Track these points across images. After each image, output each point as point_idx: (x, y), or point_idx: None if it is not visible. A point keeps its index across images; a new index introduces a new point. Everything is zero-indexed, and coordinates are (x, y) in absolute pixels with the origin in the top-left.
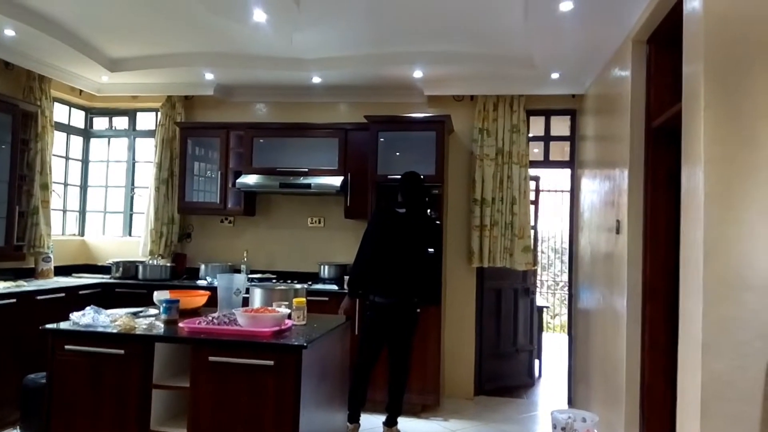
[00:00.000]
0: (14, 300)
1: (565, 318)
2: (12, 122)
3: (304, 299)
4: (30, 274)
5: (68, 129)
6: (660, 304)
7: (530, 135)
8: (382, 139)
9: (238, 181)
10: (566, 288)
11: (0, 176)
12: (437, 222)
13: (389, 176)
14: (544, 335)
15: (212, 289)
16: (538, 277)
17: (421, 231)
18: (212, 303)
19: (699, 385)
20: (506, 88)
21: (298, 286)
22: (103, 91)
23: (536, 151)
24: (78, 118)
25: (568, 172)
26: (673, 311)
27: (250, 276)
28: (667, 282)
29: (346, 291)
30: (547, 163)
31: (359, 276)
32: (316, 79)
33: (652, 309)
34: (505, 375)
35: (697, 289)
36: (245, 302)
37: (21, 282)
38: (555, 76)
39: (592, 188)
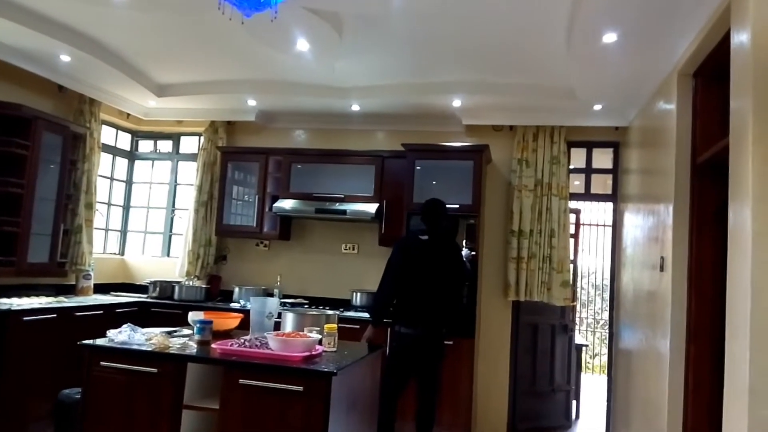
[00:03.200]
0: (54, 315)
1: (605, 359)
2: (62, 143)
3: (335, 325)
4: (70, 290)
5: (114, 151)
6: (705, 346)
7: (571, 167)
8: (418, 168)
9: (274, 205)
10: (607, 326)
11: (48, 194)
12: (470, 251)
13: None
14: (583, 375)
15: (245, 312)
16: (577, 314)
17: (446, 258)
18: (245, 325)
19: None
20: (547, 118)
21: (330, 312)
22: (149, 115)
23: (577, 183)
24: (124, 141)
25: (610, 205)
26: (719, 353)
27: (282, 300)
28: (713, 323)
29: (370, 320)
30: (588, 195)
31: (384, 305)
32: (355, 107)
33: (697, 350)
34: (541, 415)
35: (744, 332)
36: (277, 326)
37: (61, 298)
38: (597, 107)
39: (635, 223)
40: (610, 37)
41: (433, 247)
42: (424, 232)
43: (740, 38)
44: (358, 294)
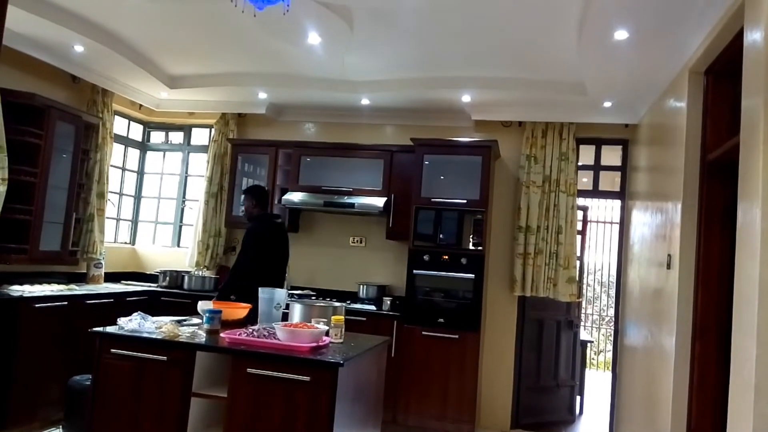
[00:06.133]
0: (65, 303)
1: (609, 355)
2: (75, 133)
3: (342, 317)
4: (82, 278)
5: (126, 141)
6: (710, 344)
7: (579, 164)
8: (427, 162)
9: (283, 198)
10: (612, 323)
11: (60, 183)
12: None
13: (432, 199)
14: (587, 372)
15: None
16: (583, 311)
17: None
18: (253, 316)
19: (750, 431)
20: (556, 115)
21: (337, 304)
22: (161, 106)
23: (585, 180)
24: (136, 132)
25: (617, 203)
26: (725, 351)
27: (290, 292)
28: (719, 320)
29: (220, 297)
30: (596, 192)
31: (243, 283)
32: (365, 101)
33: (702, 348)
34: (545, 410)
35: (751, 330)
36: (285, 317)
37: (73, 286)
38: (607, 104)
39: (643, 221)
40: (621, 35)
41: (283, 228)
42: (273, 215)
43: (753, 36)
44: (365, 287)
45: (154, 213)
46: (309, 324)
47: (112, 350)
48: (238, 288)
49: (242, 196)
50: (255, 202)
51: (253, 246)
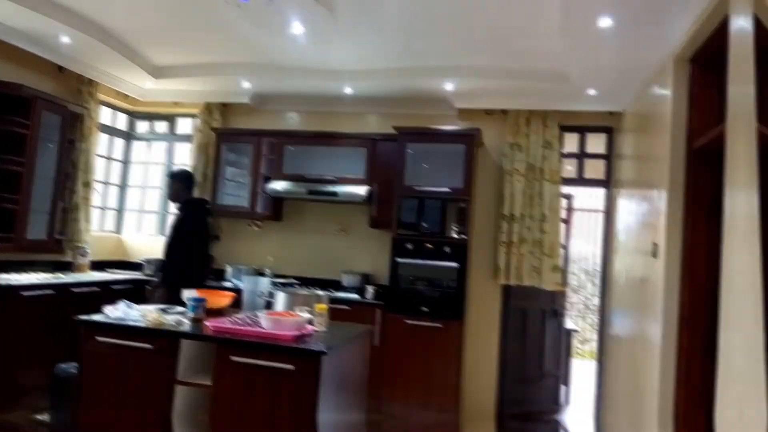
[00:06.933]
0: (51, 291)
1: (595, 345)
2: (61, 123)
3: (325, 306)
4: (67, 267)
5: (112, 131)
6: (697, 333)
7: (564, 151)
8: (410, 151)
9: (267, 186)
10: (598, 312)
11: (46, 173)
12: None
13: (416, 188)
14: (573, 361)
15: (237, 291)
16: (568, 300)
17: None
18: (237, 304)
19: None
20: (539, 103)
21: (321, 292)
22: (146, 96)
23: (570, 168)
24: (121, 121)
25: (603, 191)
26: (711, 340)
27: (273, 280)
28: (706, 310)
29: (167, 283)
30: (581, 181)
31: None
32: (348, 90)
33: (689, 337)
34: (529, 400)
35: (738, 320)
36: (268, 305)
37: (59, 274)
38: (591, 92)
39: (628, 209)
40: (605, 22)
41: (210, 213)
42: (203, 200)
43: (739, 23)
44: (348, 275)
45: (139, 202)
46: (292, 312)
47: (98, 338)
48: (182, 269)
49: (168, 180)
50: (185, 185)
51: (190, 231)
